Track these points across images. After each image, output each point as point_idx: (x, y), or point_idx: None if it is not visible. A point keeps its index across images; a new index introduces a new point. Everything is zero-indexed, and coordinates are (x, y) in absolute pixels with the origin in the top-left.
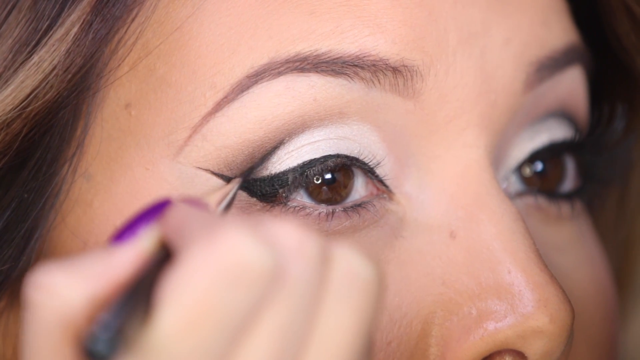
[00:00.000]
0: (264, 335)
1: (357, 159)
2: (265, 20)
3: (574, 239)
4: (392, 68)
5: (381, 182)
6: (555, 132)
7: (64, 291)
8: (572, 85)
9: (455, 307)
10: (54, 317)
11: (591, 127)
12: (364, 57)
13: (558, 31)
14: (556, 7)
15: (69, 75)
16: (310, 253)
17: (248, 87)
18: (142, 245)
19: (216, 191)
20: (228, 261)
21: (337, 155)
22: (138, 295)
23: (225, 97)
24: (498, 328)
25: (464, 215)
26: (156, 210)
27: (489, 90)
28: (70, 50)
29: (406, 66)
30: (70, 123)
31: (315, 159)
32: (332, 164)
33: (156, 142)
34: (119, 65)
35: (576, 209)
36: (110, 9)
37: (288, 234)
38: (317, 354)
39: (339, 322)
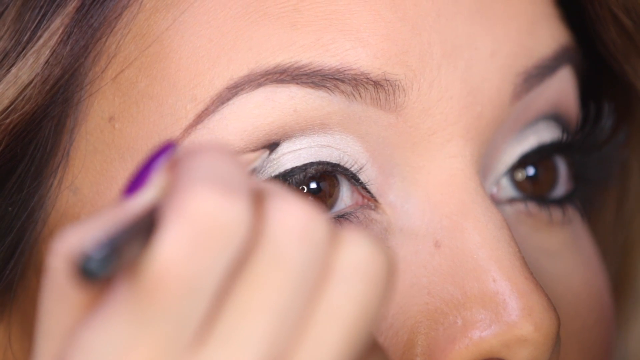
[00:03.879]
0: (255, 310)
1: (338, 165)
2: (245, 32)
3: (567, 244)
4: (374, 82)
5: (365, 189)
6: (544, 134)
7: (77, 247)
8: (561, 87)
9: (441, 317)
10: (67, 280)
11: (579, 126)
12: (345, 70)
13: (546, 38)
14: (543, 14)
15: (47, 87)
16: (316, 234)
17: (228, 99)
18: (150, 195)
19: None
20: (197, 221)
21: (319, 163)
22: (137, 227)
23: (206, 109)
24: (483, 337)
25: (448, 224)
26: (161, 154)
27: (474, 102)
28: (48, 62)
29: (388, 80)
30: (54, 136)
31: (296, 167)
32: (313, 171)
33: (140, 154)
34: (101, 77)
35: (568, 214)
36: (88, 20)
37: (294, 210)
38: (312, 342)
39: (341, 309)
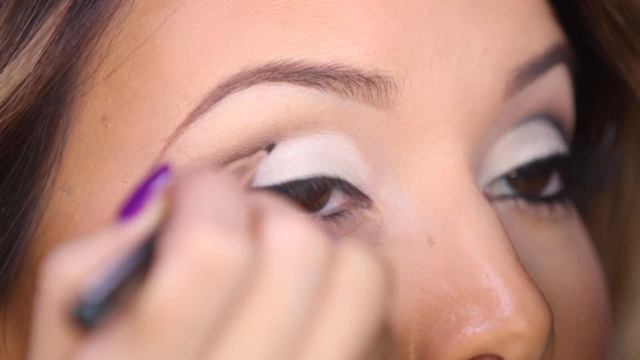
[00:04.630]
0: (250, 334)
1: (338, 180)
2: (237, 30)
3: (561, 241)
4: (365, 79)
5: (358, 190)
6: (541, 144)
7: (72, 279)
8: (554, 85)
9: (435, 314)
10: (62, 306)
11: (579, 143)
12: (337, 67)
13: (539, 36)
14: (536, 12)
15: (39, 87)
16: (311, 255)
17: (220, 97)
18: (148, 221)
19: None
20: (196, 261)
21: (323, 178)
22: (133, 263)
23: (198, 107)
24: (476, 333)
25: (441, 221)
26: (156, 178)
27: (466, 99)
28: (40, 62)
29: (380, 77)
30: (47, 136)
31: (299, 179)
32: (315, 186)
33: (133, 154)
34: (93, 77)
35: (558, 211)
36: (80, 20)
37: (289, 233)
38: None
39: (340, 329)
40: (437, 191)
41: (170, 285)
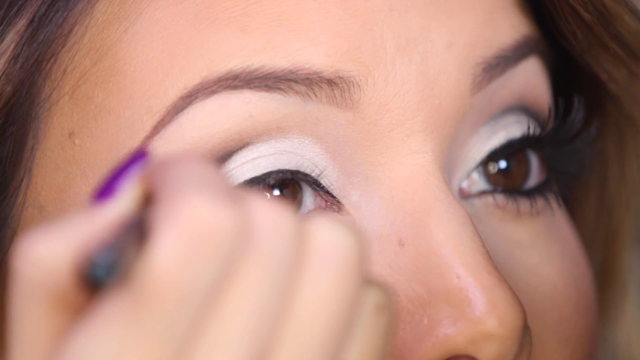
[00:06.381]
0: (236, 310)
1: (298, 172)
2: (196, 40)
3: (540, 235)
4: (327, 80)
5: (328, 193)
6: (513, 129)
7: (47, 260)
8: (527, 78)
9: (408, 316)
10: (39, 287)
11: (547, 123)
12: (298, 70)
13: (505, 28)
14: (502, 4)
15: (0, 105)
16: (285, 229)
17: (183, 108)
18: (123, 204)
19: None
20: (191, 230)
21: (278, 171)
22: (130, 235)
23: (162, 120)
24: (448, 334)
25: (411, 222)
26: (134, 163)
27: (432, 95)
28: None
29: (342, 77)
30: (15, 153)
31: (255, 177)
32: (272, 180)
33: (100, 170)
34: (57, 93)
35: (536, 206)
36: (39, 37)
37: (262, 209)
38: (294, 331)
39: (318, 293)
40: (407, 192)
41: (167, 254)
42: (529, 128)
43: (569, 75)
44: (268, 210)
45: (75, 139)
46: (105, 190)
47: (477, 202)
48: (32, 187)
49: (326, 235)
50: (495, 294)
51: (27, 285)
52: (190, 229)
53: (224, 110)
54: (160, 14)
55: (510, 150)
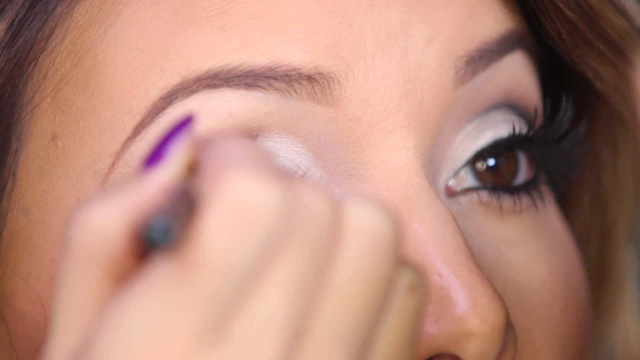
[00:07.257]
0: (275, 286)
1: None
2: (175, 39)
3: (529, 232)
4: (307, 77)
5: None
6: (500, 129)
7: (104, 227)
8: (513, 73)
9: None
10: (94, 254)
11: (535, 120)
12: (277, 67)
13: (489, 21)
14: None
15: None
16: (323, 208)
17: (163, 109)
18: (172, 169)
19: None
20: (236, 206)
21: None
22: (179, 205)
23: (142, 120)
24: (430, 333)
25: None
26: (180, 128)
27: (414, 90)
28: None
29: (321, 73)
30: None
31: None
32: None
33: (83, 172)
34: (39, 96)
35: (522, 203)
36: (18, 41)
37: (302, 189)
38: (331, 308)
39: (353, 276)
40: (390, 190)
41: (215, 229)
42: (514, 128)
43: (557, 75)
44: (308, 190)
45: (58, 141)
46: (154, 156)
47: (463, 200)
48: (17, 190)
49: (362, 215)
50: (477, 292)
51: (82, 253)
52: (238, 204)
53: (204, 109)
54: (139, 15)
55: (498, 149)
